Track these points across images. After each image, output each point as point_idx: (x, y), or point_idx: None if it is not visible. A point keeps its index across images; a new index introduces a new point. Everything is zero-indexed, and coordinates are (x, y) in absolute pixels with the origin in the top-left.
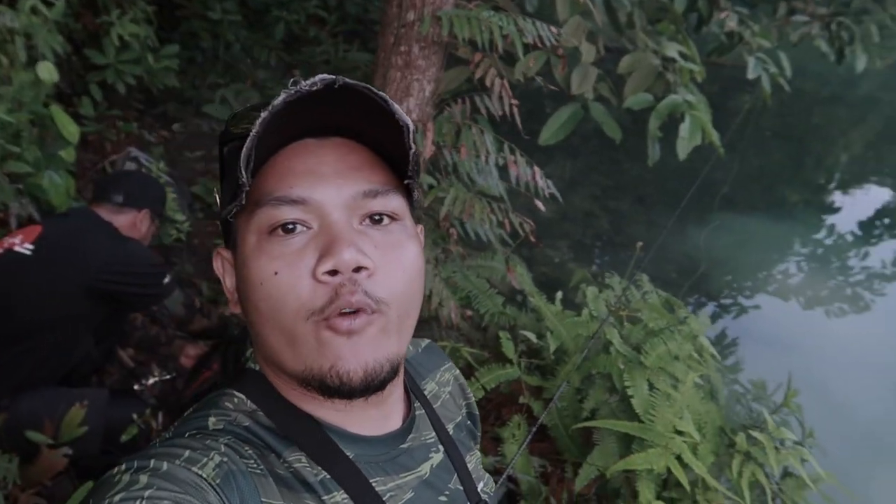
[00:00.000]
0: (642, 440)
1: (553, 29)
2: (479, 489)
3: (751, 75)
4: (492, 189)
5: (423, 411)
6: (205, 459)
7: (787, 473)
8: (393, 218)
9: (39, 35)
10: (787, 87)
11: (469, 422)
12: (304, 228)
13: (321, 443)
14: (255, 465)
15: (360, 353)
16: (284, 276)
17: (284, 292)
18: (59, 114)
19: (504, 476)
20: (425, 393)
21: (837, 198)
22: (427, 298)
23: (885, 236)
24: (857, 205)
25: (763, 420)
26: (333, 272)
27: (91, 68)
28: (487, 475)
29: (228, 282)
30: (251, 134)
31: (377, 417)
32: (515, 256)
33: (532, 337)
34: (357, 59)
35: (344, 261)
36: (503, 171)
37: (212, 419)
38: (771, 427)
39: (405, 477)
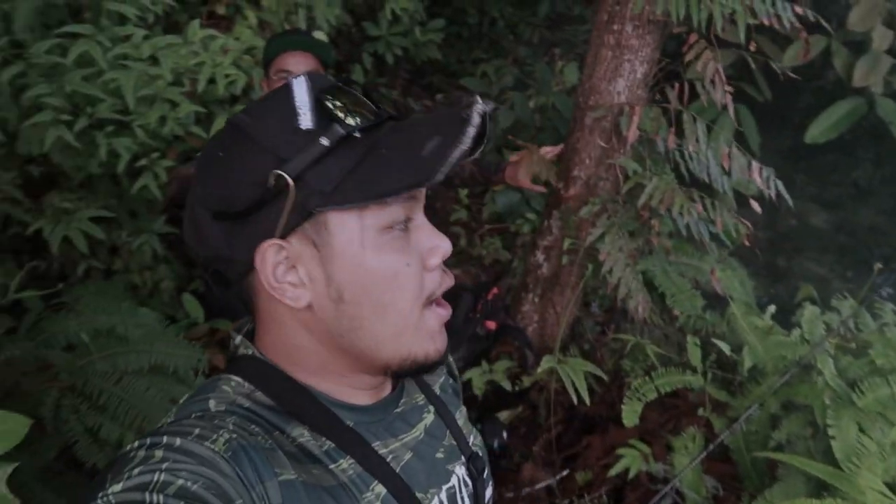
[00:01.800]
0: (836, 490)
1: (798, 9)
2: (470, 443)
3: None
4: (714, 184)
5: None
6: (215, 436)
7: None
8: None
9: (318, 7)
10: None
11: (451, 380)
12: (407, 224)
13: (323, 414)
14: (263, 441)
15: (445, 336)
16: (414, 267)
17: (413, 282)
18: None
19: (670, 487)
20: None
21: None
22: (615, 287)
23: None
24: None
25: None
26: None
27: (366, 39)
28: (475, 430)
29: (288, 276)
30: (462, 147)
31: (372, 385)
32: (733, 260)
33: (726, 348)
34: None
35: (448, 251)
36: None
37: (212, 402)
38: None
39: (403, 439)
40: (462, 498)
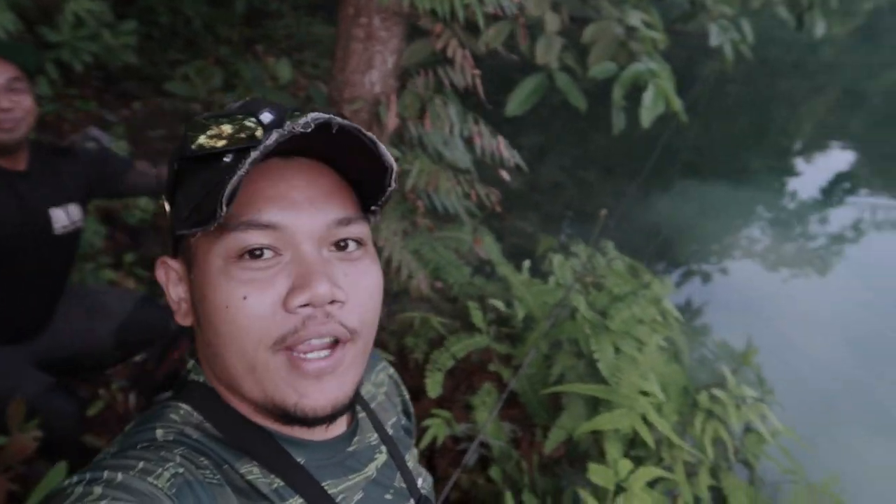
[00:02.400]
0: (609, 402)
1: None
2: (419, 485)
3: (713, 42)
4: (458, 161)
5: (364, 414)
6: (159, 470)
7: (748, 429)
8: (359, 243)
9: None
10: (749, 54)
11: (405, 419)
12: (272, 254)
13: (273, 451)
14: (211, 476)
15: (329, 390)
16: (253, 302)
17: (251, 318)
18: None
19: (476, 442)
20: (363, 395)
21: (799, 163)
22: (396, 271)
23: (844, 199)
24: (818, 170)
25: (724, 379)
26: (305, 304)
27: (45, 46)
28: (424, 471)
29: (174, 292)
30: (239, 173)
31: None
32: (484, 228)
33: (501, 306)
34: (320, 33)
35: (319, 294)
36: (470, 142)
37: (159, 431)
38: (731, 385)
39: (354, 479)
40: None
